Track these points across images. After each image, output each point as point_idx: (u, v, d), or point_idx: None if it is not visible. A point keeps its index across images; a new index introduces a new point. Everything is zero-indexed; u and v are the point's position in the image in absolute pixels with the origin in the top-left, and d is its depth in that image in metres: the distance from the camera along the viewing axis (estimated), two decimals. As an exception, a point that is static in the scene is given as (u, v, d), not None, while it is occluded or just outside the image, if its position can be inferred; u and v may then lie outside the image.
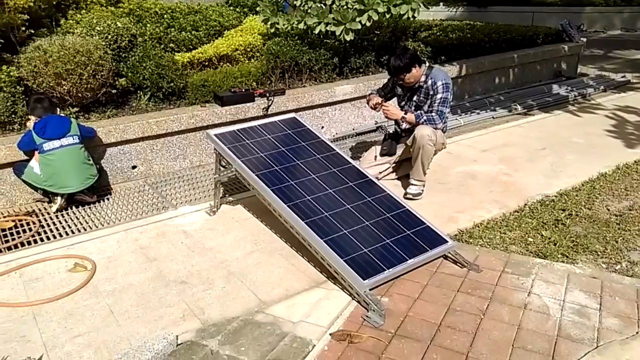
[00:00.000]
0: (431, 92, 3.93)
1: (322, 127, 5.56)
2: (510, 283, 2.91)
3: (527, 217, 3.78)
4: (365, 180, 3.47)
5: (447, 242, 3.08)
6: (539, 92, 7.03)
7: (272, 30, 5.94)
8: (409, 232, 3.09)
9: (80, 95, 4.31)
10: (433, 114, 3.89)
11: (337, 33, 5.33)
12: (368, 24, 5.30)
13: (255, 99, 5.00)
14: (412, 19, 5.58)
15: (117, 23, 4.88)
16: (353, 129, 5.70)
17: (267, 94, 5.03)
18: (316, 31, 5.45)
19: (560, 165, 4.69)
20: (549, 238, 3.48)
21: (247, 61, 5.89)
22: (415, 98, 4.07)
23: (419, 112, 3.95)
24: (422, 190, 4.04)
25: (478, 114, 6.23)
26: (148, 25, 5.87)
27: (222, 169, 3.65)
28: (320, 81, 5.69)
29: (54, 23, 5.59)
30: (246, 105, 4.91)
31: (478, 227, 3.63)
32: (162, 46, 5.84)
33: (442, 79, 3.88)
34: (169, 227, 3.64)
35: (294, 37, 5.80)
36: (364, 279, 2.68)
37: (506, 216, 3.79)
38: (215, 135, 3.62)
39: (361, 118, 5.78)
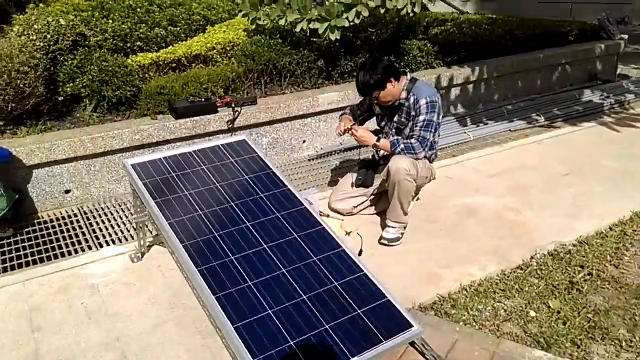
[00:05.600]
0: (413, 113, 3.09)
1: (304, 142, 4.78)
2: (493, 394, 2.10)
3: (533, 276, 2.93)
4: (317, 230, 2.68)
5: (411, 327, 2.27)
6: (568, 99, 6.03)
7: (253, 26, 5.16)
8: (360, 310, 2.29)
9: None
10: (413, 140, 3.05)
11: (320, 31, 4.52)
12: (357, 20, 4.47)
13: (219, 109, 4.25)
14: (411, 15, 4.70)
15: (60, 20, 4.20)
16: (340, 143, 4.90)
17: (234, 104, 4.27)
18: (297, 29, 4.65)
19: (584, 198, 3.79)
20: (558, 312, 2.63)
21: (225, 62, 5.15)
22: (396, 118, 3.24)
23: (395, 138, 3.11)
24: (402, 234, 3.23)
25: (492, 126, 5.32)
26: (112, 21, 5.18)
27: (139, 206, 2.93)
28: (304, 87, 4.90)
29: (19, 14, 4.93)
30: (206, 118, 4.17)
31: (465, 291, 2.81)
32: (129, 44, 5.15)
33: (426, 96, 3.04)
34: (77, 278, 2.94)
35: (276, 35, 5.02)
36: (276, 394, 1.92)
37: (505, 275, 2.94)
38: (133, 165, 2.89)
39: (351, 130, 4.96)
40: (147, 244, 3.21)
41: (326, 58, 4.95)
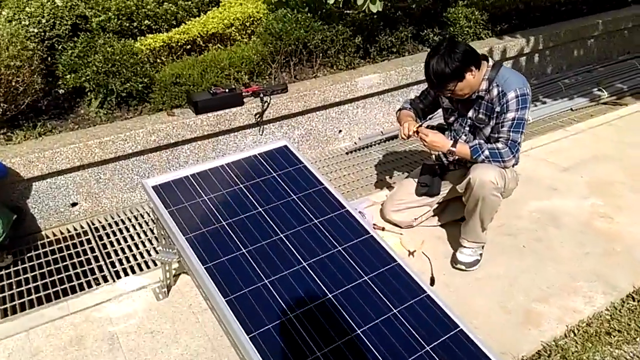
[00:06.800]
0: (497, 109, 2.48)
1: (340, 132, 4.18)
2: None
3: (651, 310, 2.37)
4: (391, 269, 2.12)
5: (531, 407, 1.73)
6: (631, 68, 5.35)
7: (276, -3, 4.50)
8: (461, 384, 1.76)
9: (-11, 108, 3.07)
10: (500, 145, 2.44)
11: (360, 2, 3.85)
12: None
13: (244, 100, 3.65)
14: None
15: (56, 1, 3.56)
16: (381, 132, 4.29)
17: (262, 93, 3.66)
18: (330, 0, 3.98)
19: (685, 199, 3.20)
20: (699, 365, 2.08)
21: (245, 40, 4.51)
22: (471, 114, 2.62)
23: (477, 143, 2.50)
24: (480, 256, 2.66)
25: (550, 105, 4.68)
26: (115, -3, 4.51)
27: (165, 239, 2.37)
28: (338, 68, 4.25)
29: None
30: (232, 111, 3.56)
31: (574, 334, 2.26)
32: (136, 24, 4.50)
33: (515, 87, 2.41)
34: (91, 324, 2.42)
35: (304, 8, 4.35)
36: None
37: (616, 309, 2.39)
38: (155, 187, 2.32)
39: (392, 116, 4.34)
40: (173, 272, 2.67)
41: (363, 33, 4.29)
